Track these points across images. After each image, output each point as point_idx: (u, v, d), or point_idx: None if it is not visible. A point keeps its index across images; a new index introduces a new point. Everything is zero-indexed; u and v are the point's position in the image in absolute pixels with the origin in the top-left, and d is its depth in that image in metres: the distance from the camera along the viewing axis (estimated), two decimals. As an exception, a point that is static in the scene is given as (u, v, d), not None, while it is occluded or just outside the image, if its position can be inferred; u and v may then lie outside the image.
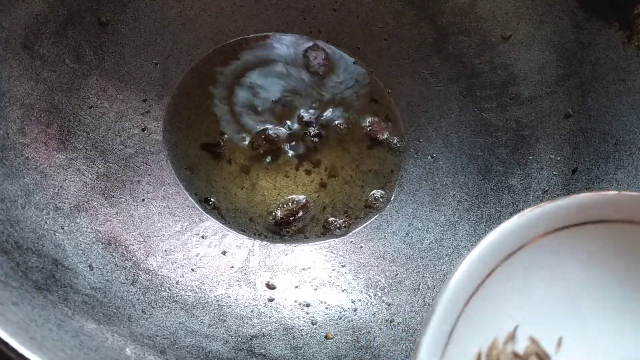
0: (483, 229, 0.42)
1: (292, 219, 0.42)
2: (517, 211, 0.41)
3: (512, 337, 0.27)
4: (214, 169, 0.44)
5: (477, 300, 0.25)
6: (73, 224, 0.37)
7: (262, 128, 0.45)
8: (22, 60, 0.39)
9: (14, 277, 0.30)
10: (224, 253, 0.40)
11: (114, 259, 0.37)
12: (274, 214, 0.43)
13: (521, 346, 0.26)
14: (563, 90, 0.44)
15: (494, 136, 0.45)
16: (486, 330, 0.26)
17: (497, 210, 0.42)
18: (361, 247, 0.42)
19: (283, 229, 0.42)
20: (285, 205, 0.43)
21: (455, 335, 0.25)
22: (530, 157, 0.43)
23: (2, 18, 0.38)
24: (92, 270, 0.35)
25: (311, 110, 0.46)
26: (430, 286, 0.40)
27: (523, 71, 0.45)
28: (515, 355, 0.26)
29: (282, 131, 0.45)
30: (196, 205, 0.42)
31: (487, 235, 0.26)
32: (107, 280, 0.36)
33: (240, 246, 0.41)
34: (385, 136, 0.46)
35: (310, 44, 0.47)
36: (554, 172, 0.42)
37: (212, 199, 0.42)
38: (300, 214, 0.43)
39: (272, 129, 0.45)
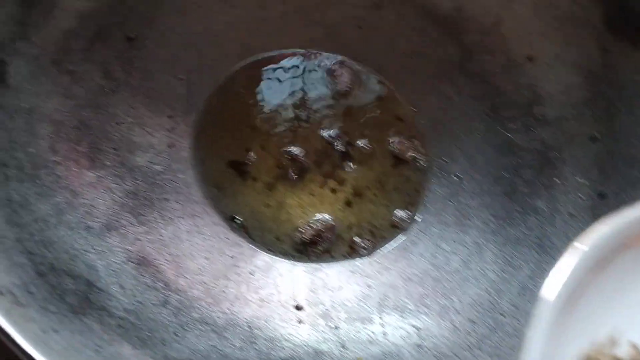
0: (510, 252, 0.42)
1: (319, 238, 0.42)
2: (544, 235, 0.41)
3: (613, 341, 0.26)
4: (240, 186, 0.43)
5: (578, 303, 0.25)
6: (104, 244, 0.37)
7: (286, 147, 0.44)
8: (51, 77, 0.39)
9: (51, 301, 0.30)
10: (252, 273, 0.40)
11: (145, 279, 0.37)
12: (300, 233, 0.42)
13: (622, 351, 0.26)
14: (589, 113, 0.44)
15: (519, 157, 0.45)
16: (586, 333, 0.26)
17: (523, 233, 0.42)
18: (387, 267, 0.42)
19: (310, 248, 0.42)
20: (311, 225, 0.43)
21: (555, 337, 0.25)
22: (557, 180, 0.43)
23: (33, 34, 0.38)
24: (124, 291, 0.35)
25: (335, 129, 0.46)
26: (458, 309, 0.40)
27: (548, 92, 0.45)
28: (616, 359, 0.26)
29: (307, 150, 0.45)
30: (223, 223, 0.42)
31: (588, 235, 0.26)
32: (140, 302, 0.35)
33: (267, 266, 0.41)
34: (410, 155, 0.46)
35: (336, 61, 0.47)
36: (581, 196, 0.42)
37: (238, 217, 0.42)
38: (327, 234, 0.43)
39: (296, 148, 0.45)
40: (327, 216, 0.44)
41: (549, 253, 0.41)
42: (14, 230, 0.32)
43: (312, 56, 0.48)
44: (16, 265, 0.30)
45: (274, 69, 0.47)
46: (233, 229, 0.42)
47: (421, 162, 0.46)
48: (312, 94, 0.47)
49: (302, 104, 0.47)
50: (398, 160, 0.46)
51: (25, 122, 0.36)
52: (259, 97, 0.46)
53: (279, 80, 0.47)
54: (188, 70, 0.45)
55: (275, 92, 0.47)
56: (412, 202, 0.45)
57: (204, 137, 0.44)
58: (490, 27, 0.47)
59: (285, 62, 0.48)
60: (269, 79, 0.47)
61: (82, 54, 0.41)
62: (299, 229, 0.43)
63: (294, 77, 0.47)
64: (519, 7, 0.45)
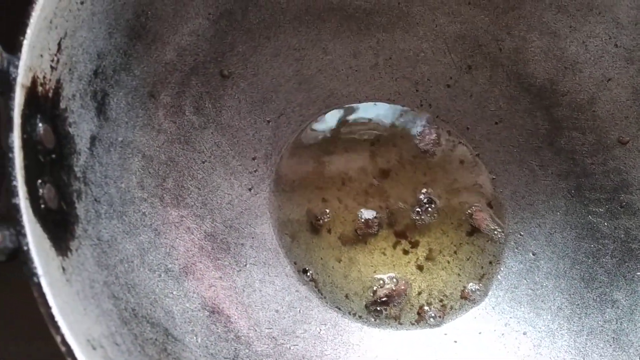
0: (583, 342, 0.40)
1: (388, 302, 0.41)
2: (621, 330, 0.40)
3: None
4: (314, 238, 0.43)
5: None
6: (181, 288, 0.36)
7: (362, 201, 0.44)
8: (147, 110, 0.38)
9: (135, 353, 0.29)
10: (319, 332, 0.39)
11: (217, 329, 0.36)
12: (370, 294, 0.42)
13: None
14: (680, 209, 0.42)
15: (600, 243, 0.43)
16: None
17: (599, 324, 0.41)
18: (455, 341, 0.41)
19: (378, 311, 0.41)
20: (382, 285, 0.42)
21: None
22: (638, 274, 0.42)
23: (135, 66, 0.37)
24: (197, 341, 0.34)
25: (413, 188, 0.45)
26: (527, 398, 0.39)
27: (638, 180, 0.44)
28: None
29: (382, 207, 0.44)
30: (294, 275, 0.41)
31: None
32: (212, 354, 0.35)
33: (335, 326, 0.40)
34: (486, 224, 0.45)
35: (425, 121, 0.46)
36: (664, 295, 0.41)
37: (310, 270, 0.41)
38: (397, 297, 0.42)
39: (372, 203, 0.44)
40: (397, 279, 0.43)
41: (625, 350, 0.39)
42: (102, 273, 0.31)
43: (401, 112, 0.47)
44: (104, 312, 0.30)
45: (359, 121, 0.46)
46: (304, 282, 0.41)
47: (497, 234, 0.45)
48: (393, 150, 0.46)
49: (382, 158, 0.46)
50: (474, 228, 0.45)
51: (119, 156, 0.36)
52: (341, 146, 0.46)
53: (362, 132, 0.46)
54: (275, 112, 0.44)
55: (356, 143, 0.46)
56: (485, 275, 0.44)
57: (283, 182, 0.43)
58: (584, 105, 0.46)
59: (371, 114, 0.47)
60: (354, 130, 0.46)
61: (178, 87, 0.40)
62: (369, 289, 0.42)
63: (377, 130, 0.46)
64: (617, 89, 0.44)
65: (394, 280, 0.42)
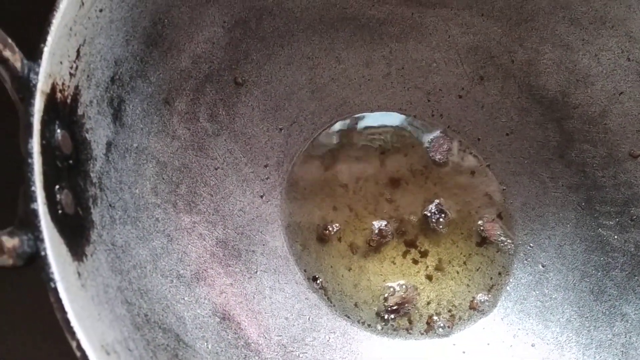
0: (592, 355, 0.41)
1: (397, 311, 0.42)
2: (630, 344, 0.40)
3: None
4: (324, 246, 0.43)
5: None
6: (192, 294, 0.36)
7: (373, 210, 0.44)
8: (162, 116, 0.39)
9: (147, 358, 0.30)
10: (328, 340, 0.40)
11: (227, 335, 0.36)
12: (380, 303, 0.42)
13: None
14: (691, 223, 0.42)
15: (610, 256, 0.43)
16: None
17: (608, 337, 0.41)
18: (464, 352, 0.41)
19: (388, 320, 0.41)
20: (393, 293, 0.42)
21: None
22: (648, 288, 0.42)
23: (151, 73, 0.38)
24: (208, 348, 0.35)
25: (424, 198, 0.45)
26: (534, 411, 0.39)
27: (649, 194, 0.44)
28: None
29: (392, 216, 0.44)
30: (304, 282, 0.41)
31: None
32: (222, 361, 0.35)
33: (344, 334, 0.40)
34: (496, 235, 0.45)
35: (437, 131, 0.46)
36: (674, 309, 0.41)
37: (320, 278, 0.42)
38: (406, 307, 0.42)
39: (383, 212, 0.44)
40: (407, 286, 0.43)
41: (634, 364, 0.39)
42: (116, 278, 0.31)
43: (412, 122, 0.47)
44: (118, 318, 0.30)
45: (370, 130, 0.47)
46: (313, 290, 0.41)
47: (507, 245, 0.45)
48: (404, 159, 0.46)
49: (393, 167, 0.46)
50: (484, 239, 0.45)
51: (134, 162, 0.36)
52: (352, 155, 0.46)
53: (373, 141, 0.47)
54: (288, 120, 0.44)
55: (367, 152, 0.46)
56: (494, 286, 0.44)
57: (294, 190, 0.44)
58: (595, 117, 0.46)
59: (383, 123, 0.47)
60: (365, 139, 0.46)
61: (192, 94, 0.40)
62: (379, 297, 0.42)
63: (388, 139, 0.47)
64: (629, 102, 0.44)
65: (404, 287, 0.42)
